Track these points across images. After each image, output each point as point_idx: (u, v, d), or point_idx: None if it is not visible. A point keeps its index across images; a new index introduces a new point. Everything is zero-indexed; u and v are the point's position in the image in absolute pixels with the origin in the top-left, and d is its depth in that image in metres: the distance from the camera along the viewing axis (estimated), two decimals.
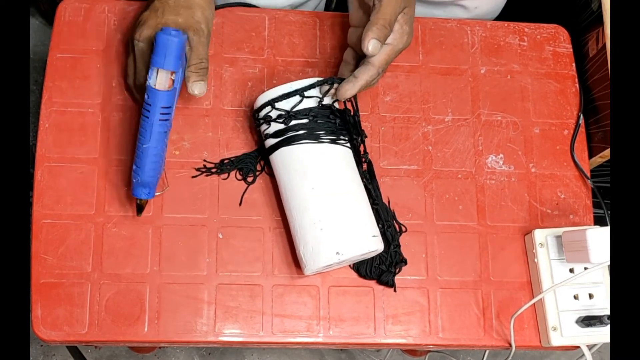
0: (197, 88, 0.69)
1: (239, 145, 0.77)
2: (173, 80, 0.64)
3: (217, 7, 0.82)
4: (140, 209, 0.72)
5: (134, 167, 0.68)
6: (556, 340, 0.72)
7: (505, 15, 0.97)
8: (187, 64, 0.69)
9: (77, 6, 0.80)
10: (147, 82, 0.63)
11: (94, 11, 0.80)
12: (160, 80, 0.63)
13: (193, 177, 0.75)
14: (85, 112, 0.76)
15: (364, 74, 0.69)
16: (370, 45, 0.67)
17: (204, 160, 0.76)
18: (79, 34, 0.79)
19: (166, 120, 0.65)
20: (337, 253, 0.67)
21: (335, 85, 0.71)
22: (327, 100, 0.72)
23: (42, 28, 1.49)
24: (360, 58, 0.74)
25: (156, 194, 0.71)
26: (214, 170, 0.76)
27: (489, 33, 0.84)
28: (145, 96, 0.64)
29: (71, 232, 0.73)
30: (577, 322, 0.72)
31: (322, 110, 0.71)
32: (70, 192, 0.74)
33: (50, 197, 0.73)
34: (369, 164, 0.76)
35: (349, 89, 0.70)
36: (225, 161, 0.76)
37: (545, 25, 0.86)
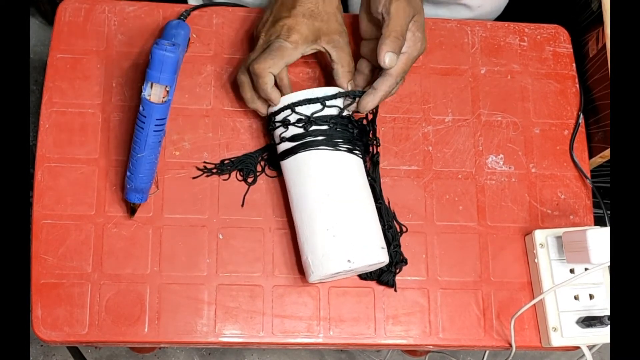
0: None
1: (239, 146, 0.77)
2: (167, 92, 0.65)
3: (215, 4, 0.82)
4: (133, 211, 0.73)
5: (128, 173, 0.69)
6: (556, 340, 0.72)
7: (505, 15, 0.97)
8: (340, 67, 0.72)
9: (77, 6, 0.80)
10: (142, 94, 0.64)
11: (94, 11, 0.80)
12: (155, 93, 0.64)
13: (194, 177, 0.75)
14: (85, 113, 0.76)
15: (383, 85, 0.70)
16: (387, 58, 0.67)
17: (204, 162, 0.76)
18: (79, 34, 0.79)
19: (160, 130, 0.67)
20: (349, 261, 0.67)
21: (357, 99, 0.72)
22: (346, 111, 0.72)
23: (42, 28, 1.49)
24: (374, 68, 0.74)
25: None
26: (214, 170, 0.76)
27: (489, 33, 0.84)
28: (140, 108, 0.65)
29: (71, 233, 0.73)
30: (577, 322, 0.72)
31: (340, 120, 0.71)
32: (70, 192, 0.74)
33: (50, 197, 0.73)
34: (376, 163, 0.76)
35: (370, 101, 0.70)
36: (226, 162, 0.76)
37: (545, 25, 0.86)
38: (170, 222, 0.74)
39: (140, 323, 0.71)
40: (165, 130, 0.68)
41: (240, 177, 0.76)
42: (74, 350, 1.05)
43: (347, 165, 0.71)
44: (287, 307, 0.73)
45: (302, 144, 0.70)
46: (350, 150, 0.71)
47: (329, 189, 0.69)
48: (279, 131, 0.72)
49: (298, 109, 0.71)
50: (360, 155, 0.73)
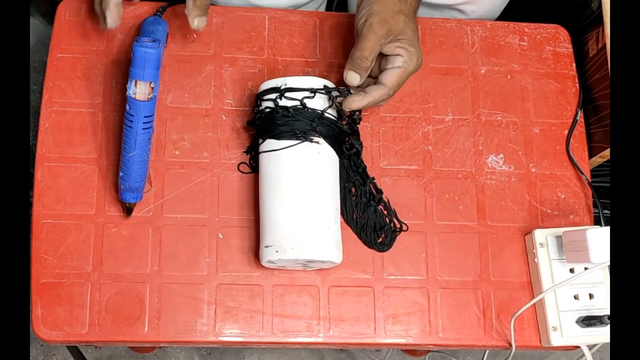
0: (197, 22, 0.71)
1: (239, 145, 0.77)
2: (152, 88, 0.65)
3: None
4: (129, 211, 0.73)
5: (121, 174, 0.69)
6: (556, 340, 0.72)
7: (505, 15, 0.97)
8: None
9: (77, 6, 0.80)
10: (127, 92, 0.64)
11: (94, 11, 0.80)
12: (140, 91, 0.65)
13: (240, 170, 0.76)
14: (85, 112, 0.76)
15: (375, 92, 0.71)
16: (346, 75, 0.70)
17: (242, 162, 0.76)
18: (79, 34, 0.79)
19: (149, 128, 0.67)
20: (291, 250, 0.67)
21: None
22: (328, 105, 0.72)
23: (42, 28, 1.49)
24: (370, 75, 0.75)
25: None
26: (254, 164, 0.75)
27: (489, 33, 0.85)
28: (127, 107, 0.65)
29: (71, 232, 0.73)
30: (577, 322, 0.72)
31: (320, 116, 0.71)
32: (70, 192, 0.74)
33: (50, 197, 0.73)
34: (354, 155, 0.76)
35: (356, 101, 0.71)
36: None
37: (545, 25, 0.86)
38: (170, 222, 0.74)
39: (140, 323, 0.71)
40: (154, 127, 0.68)
41: (244, 171, 0.76)
42: (74, 350, 1.05)
43: (317, 158, 0.70)
44: (287, 306, 0.73)
45: (273, 132, 0.70)
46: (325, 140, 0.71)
47: (290, 182, 0.69)
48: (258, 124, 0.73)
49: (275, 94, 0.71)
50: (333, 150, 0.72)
